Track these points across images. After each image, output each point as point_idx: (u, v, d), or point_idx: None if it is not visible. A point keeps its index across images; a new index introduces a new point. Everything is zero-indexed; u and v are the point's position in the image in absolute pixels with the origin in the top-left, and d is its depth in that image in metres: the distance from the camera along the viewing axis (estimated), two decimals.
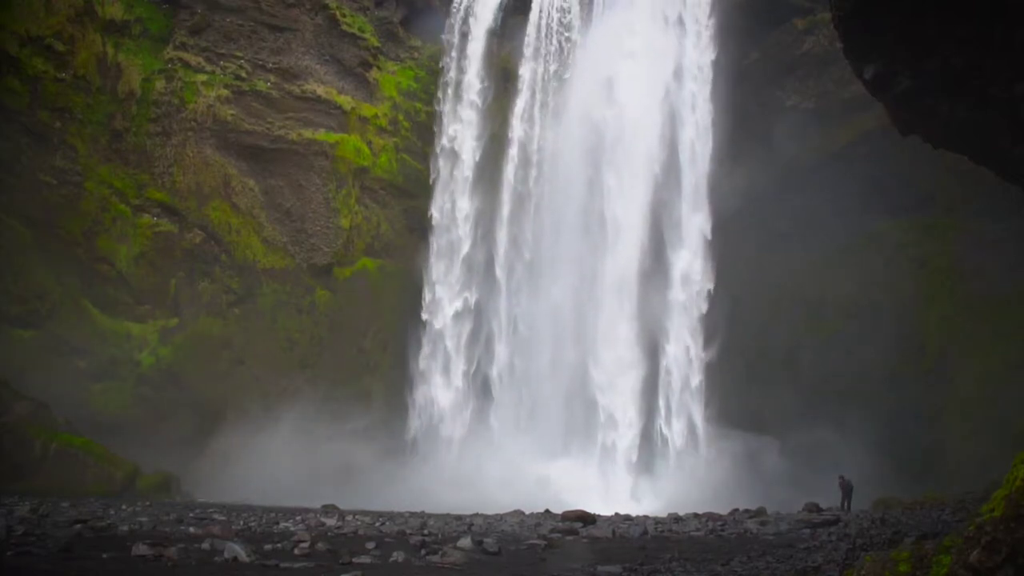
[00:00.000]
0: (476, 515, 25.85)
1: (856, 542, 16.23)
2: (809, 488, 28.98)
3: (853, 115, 35.81)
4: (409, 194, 42.70)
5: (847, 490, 28.31)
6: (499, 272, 40.06)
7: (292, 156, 41.60)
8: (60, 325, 37.69)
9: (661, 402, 35.79)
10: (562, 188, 38.69)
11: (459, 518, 24.74)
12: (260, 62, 41.77)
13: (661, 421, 35.59)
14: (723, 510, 26.57)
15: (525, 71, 41.05)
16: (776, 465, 31.90)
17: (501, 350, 39.33)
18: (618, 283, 36.30)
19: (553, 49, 40.72)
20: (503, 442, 36.61)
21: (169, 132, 40.66)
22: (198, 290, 40.44)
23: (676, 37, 38.12)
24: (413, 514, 26.48)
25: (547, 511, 26.95)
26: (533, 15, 41.31)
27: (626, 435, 35.11)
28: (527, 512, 27.07)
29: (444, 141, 42.07)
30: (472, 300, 40.37)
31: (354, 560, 14.42)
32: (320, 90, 41.95)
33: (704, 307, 36.10)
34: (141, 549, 14.41)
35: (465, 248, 40.88)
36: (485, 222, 40.93)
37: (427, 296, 40.76)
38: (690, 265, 36.48)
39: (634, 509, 29.36)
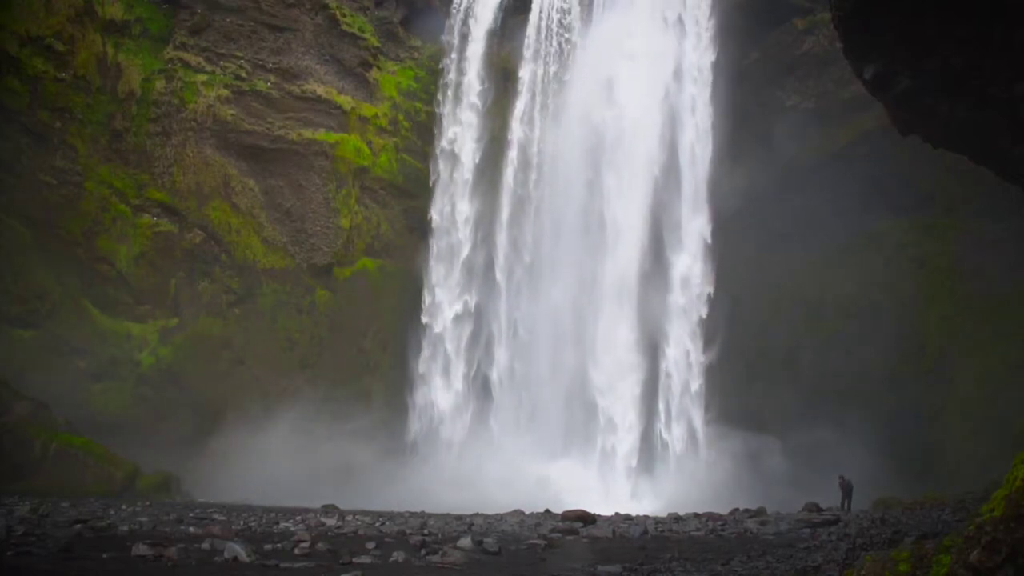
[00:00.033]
0: (476, 515, 25.86)
1: (856, 542, 16.23)
2: (809, 488, 28.98)
3: (853, 115, 35.81)
4: (409, 194, 42.71)
5: (847, 490, 28.31)
6: (499, 275, 40.04)
7: (292, 156, 41.60)
8: (60, 325, 37.69)
9: (661, 406, 35.79)
10: (562, 190, 38.69)
11: (459, 518, 24.74)
12: (260, 62, 41.78)
13: (661, 425, 35.59)
14: (723, 510, 26.58)
15: (525, 73, 41.04)
16: (776, 465, 31.89)
17: (501, 353, 39.33)
18: (618, 286, 36.30)
19: (553, 51, 40.70)
20: (503, 443, 36.64)
21: (169, 132, 40.67)
22: (198, 290, 40.44)
23: (676, 38, 38.11)
24: (413, 514, 26.49)
25: (547, 511, 26.96)
26: (533, 16, 41.28)
27: (625, 439, 35.13)
28: (527, 512, 27.08)
29: (444, 143, 42.06)
30: (472, 303, 40.36)
31: (354, 560, 14.42)
32: (320, 90, 41.96)
33: (704, 311, 36.09)
34: (141, 549, 14.41)
35: (465, 251, 40.86)
36: (485, 225, 40.91)
37: (427, 299, 40.75)
38: (690, 269, 36.47)
39: (634, 509, 29.35)
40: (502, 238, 40.27)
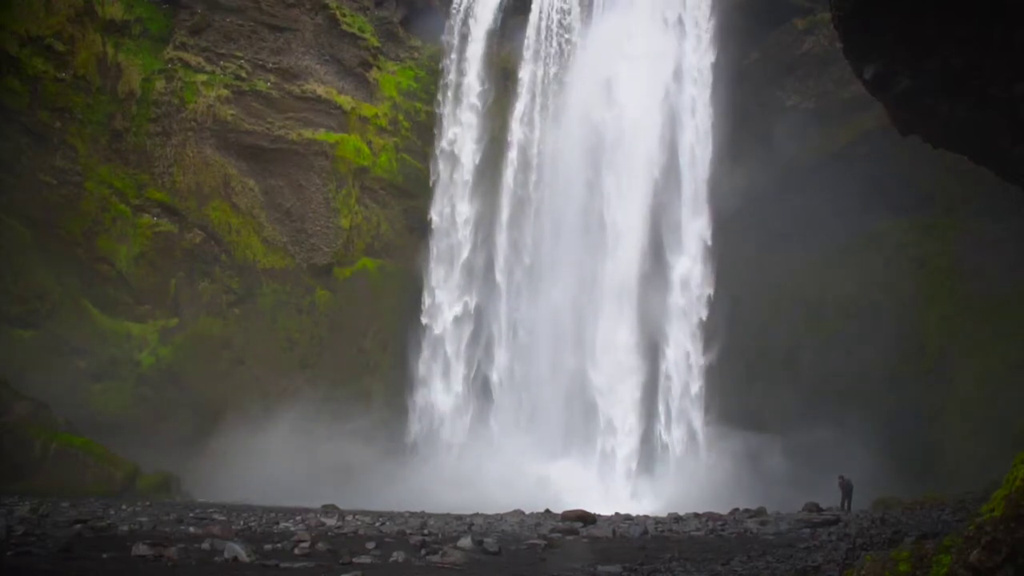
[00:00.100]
0: (476, 515, 25.87)
1: (856, 542, 16.23)
2: (809, 488, 28.97)
3: (853, 115, 35.81)
4: (409, 194, 42.70)
5: (847, 490, 28.31)
6: (499, 276, 40.03)
7: (292, 156, 41.61)
8: (60, 325, 37.68)
9: (661, 408, 35.79)
10: (562, 191, 38.68)
11: (459, 518, 24.75)
12: (260, 62, 41.78)
13: (661, 427, 35.58)
14: (723, 510, 26.58)
15: (524, 74, 41.03)
16: (776, 465, 31.88)
17: (501, 355, 39.33)
18: (618, 287, 36.29)
19: (553, 51, 40.68)
20: (503, 443, 36.63)
21: (169, 132, 40.67)
22: (198, 290, 40.44)
23: (676, 39, 38.10)
24: (413, 514, 26.49)
25: (547, 511, 26.97)
26: (533, 16, 41.25)
27: (625, 443, 35.13)
28: (527, 512, 27.08)
29: (444, 144, 42.03)
30: (472, 304, 40.34)
31: (354, 560, 14.42)
32: (320, 90, 41.96)
33: (704, 313, 36.07)
34: (141, 549, 14.41)
35: (465, 253, 40.84)
36: (485, 226, 40.89)
37: (427, 301, 40.72)
38: (690, 271, 36.46)
39: (634, 509, 29.36)
40: (502, 239, 40.26)
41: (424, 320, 40.53)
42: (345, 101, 42.17)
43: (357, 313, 41.36)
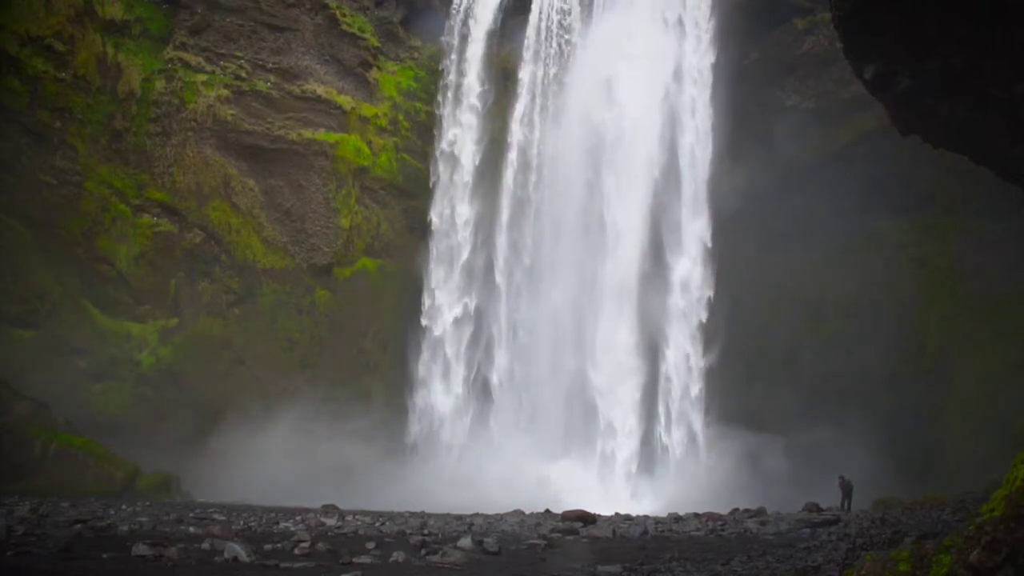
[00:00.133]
0: (476, 515, 25.87)
1: (856, 542, 16.23)
2: (809, 488, 28.98)
3: (853, 115, 35.81)
4: (409, 194, 42.70)
5: (847, 490, 28.31)
6: (499, 277, 40.01)
7: (292, 156, 41.61)
8: (60, 325, 37.68)
9: (661, 409, 35.76)
10: (561, 192, 38.66)
11: (459, 518, 24.75)
12: (260, 62, 41.78)
13: (661, 429, 35.57)
14: (723, 510, 26.58)
15: (524, 74, 41.01)
16: (776, 465, 31.89)
17: (501, 356, 39.32)
18: (618, 287, 36.27)
19: (553, 52, 40.66)
20: (503, 444, 36.62)
21: (169, 132, 40.67)
22: (198, 290, 40.44)
23: (676, 39, 38.09)
24: (413, 514, 26.49)
25: (547, 511, 26.97)
26: (533, 17, 41.23)
27: (625, 445, 35.12)
28: (527, 512, 27.08)
29: (444, 145, 42.01)
30: (472, 306, 40.31)
31: (354, 560, 14.42)
32: (320, 90, 41.96)
33: (704, 315, 36.05)
34: (141, 549, 14.41)
35: (465, 254, 40.81)
36: (485, 227, 40.87)
37: (426, 302, 40.69)
38: (690, 272, 36.44)
39: (634, 509, 29.37)
40: (502, 240, 40.24)
41: (424, 322, 40.50)
42: (345, 101, 42.17)
43: (357, 313, 41.36)
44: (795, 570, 13.12)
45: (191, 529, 19.52)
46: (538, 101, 40.63)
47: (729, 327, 35.48)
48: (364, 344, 41.43)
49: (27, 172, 37.89)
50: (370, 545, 16.54)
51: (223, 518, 22.79)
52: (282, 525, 21.23)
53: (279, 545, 16.27)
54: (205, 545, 15.55)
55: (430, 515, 26.13)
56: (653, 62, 37.32)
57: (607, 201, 37.36)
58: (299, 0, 42.19)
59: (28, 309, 37.49)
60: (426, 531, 20.34)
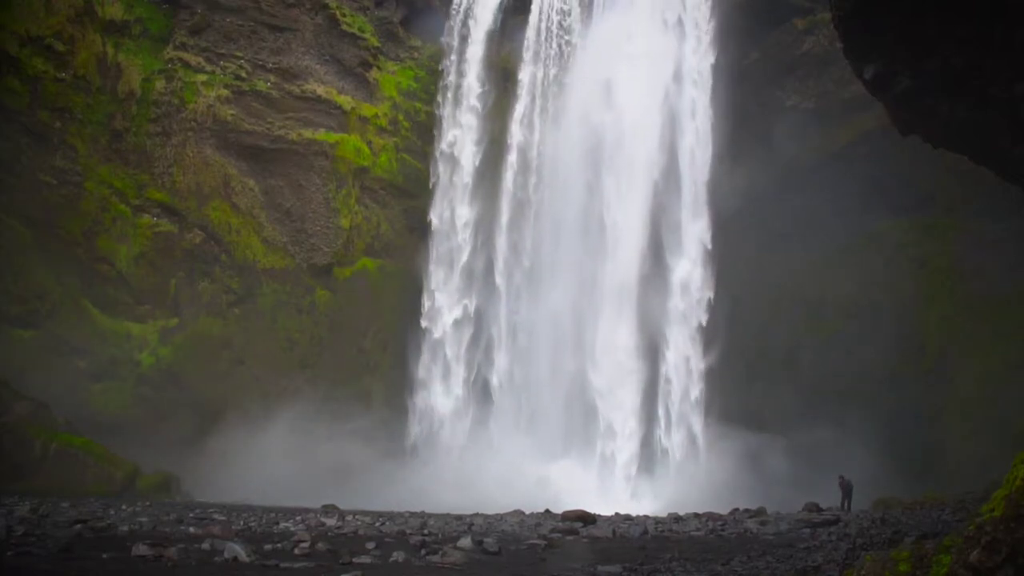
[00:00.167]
0: (476, 515, 25.86)
1: (856, 542, 16.23)
2: (809, 488, 28.97)
3: (853, 115, 35.81)
4: (409, 194, 42.70)
5: (847, 490, 28.31)
6: (499, 279, 39.98)
7: (292, 156, 41.61)
8: (60, 325, 37.68)
9: (661, 411, 35.72)
10: (561, 193, 38.62)
11: (459, 518, 24.75)
12: (260, 62, 41.79)
13: (661, 431, 35.54)
14: (723, 510, 26.58)
15: (524, 75, 40.98)
16: (776, 465, 31.88)
17: (501, 357, 39.29)
18: (618, 289, 36.23)
19: (553, 53, 40.64)
20: (503, 445, 36.60)
21: (169, 132, 40.68)
22: (198, 290, 40.44)
23: (676, 40, 38.06)
24: (413, 514, 26.49)
25: (547, 511, 26.97)
26: (532, 17, 41.20)
27: (625, 447, 35.10)
28: (527, 512, 27.08)
29: (443, 146, 41.98)
30: (472, 307, 40.28)
31: (354, 560, 14.43)
32: (320, 90, 41.96)
33: (704, 317, 36.01)
34: (141, 549, 14.41)
35: (464, 255, 40.78)
36: (485, 228, 40.84)
37: (426, 304, 40.65)
38: (690, 274, 36.39)
39: (634, 509, 29.35)
40: (502, 242, 40.21)
41: (424, 323, 40.46)
42: (345, 101, 42.17)
43: (357, 313, 41.36)
44: (795, 570, 13.12)
45: (191, 529, 19.53)
46: (538, 102, 40.60)
47: (729, 327, 35.48)
48: (364, 344, 41.43)
49: (27, 172, 37.90)
50: (370, 545, 16.54)
51: (223, 518, 22.79)
52: (282, 525, 21.23)
53: (279, 545, 16.27)
54: (205, 545, 15.55)
55: (430, 515, 26.13)
56: (653, 63, 37.29)
57: (607, 202, 37.34)
58: (299, 0, 42.20)
59: (28, 309, 37.50)
60: (426, 531, 20.34)
